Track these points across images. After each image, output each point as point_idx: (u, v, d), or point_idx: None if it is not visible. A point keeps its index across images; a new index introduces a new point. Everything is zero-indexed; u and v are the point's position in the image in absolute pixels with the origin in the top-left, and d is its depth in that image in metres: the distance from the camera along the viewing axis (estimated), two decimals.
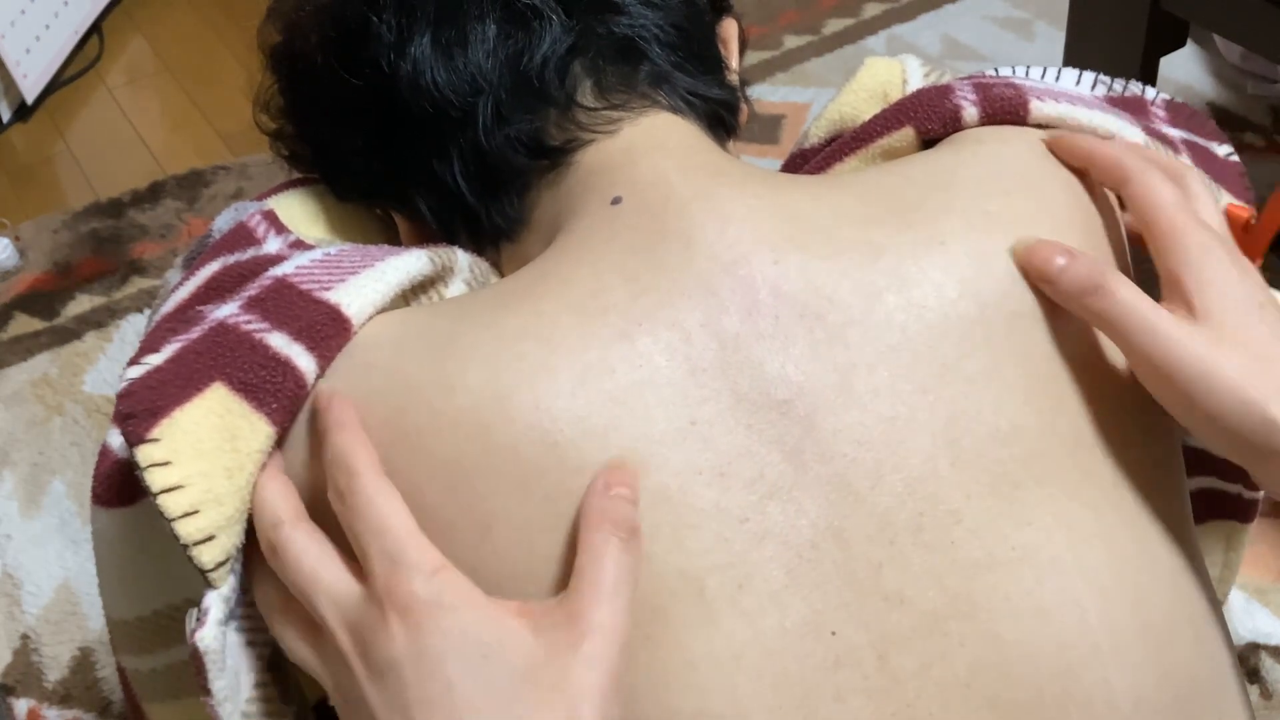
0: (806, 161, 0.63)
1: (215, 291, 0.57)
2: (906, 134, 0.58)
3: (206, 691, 0.50)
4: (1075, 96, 0.59)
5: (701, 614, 0.46)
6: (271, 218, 0.62)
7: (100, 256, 1.42)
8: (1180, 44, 1.12)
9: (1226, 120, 1.45)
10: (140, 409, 0.49)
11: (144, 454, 0.48)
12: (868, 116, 0.60)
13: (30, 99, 1.65)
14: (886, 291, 0.50)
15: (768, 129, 1.50)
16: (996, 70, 0.63)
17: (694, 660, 0.46)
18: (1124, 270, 0.55)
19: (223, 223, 0.64)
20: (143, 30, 1.84)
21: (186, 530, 0.48)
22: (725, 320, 0.49)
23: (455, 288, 0.56)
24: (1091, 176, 0.55)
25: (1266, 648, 0.92)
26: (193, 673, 0.50)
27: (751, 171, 0.56)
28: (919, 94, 0.59)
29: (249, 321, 0.52)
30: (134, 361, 0.52)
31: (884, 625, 0.47)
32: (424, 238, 0.62)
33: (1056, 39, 1.37)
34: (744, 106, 0.65)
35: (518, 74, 0.57)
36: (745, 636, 0.46)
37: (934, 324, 0.50)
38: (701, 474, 0.47)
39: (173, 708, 0.62)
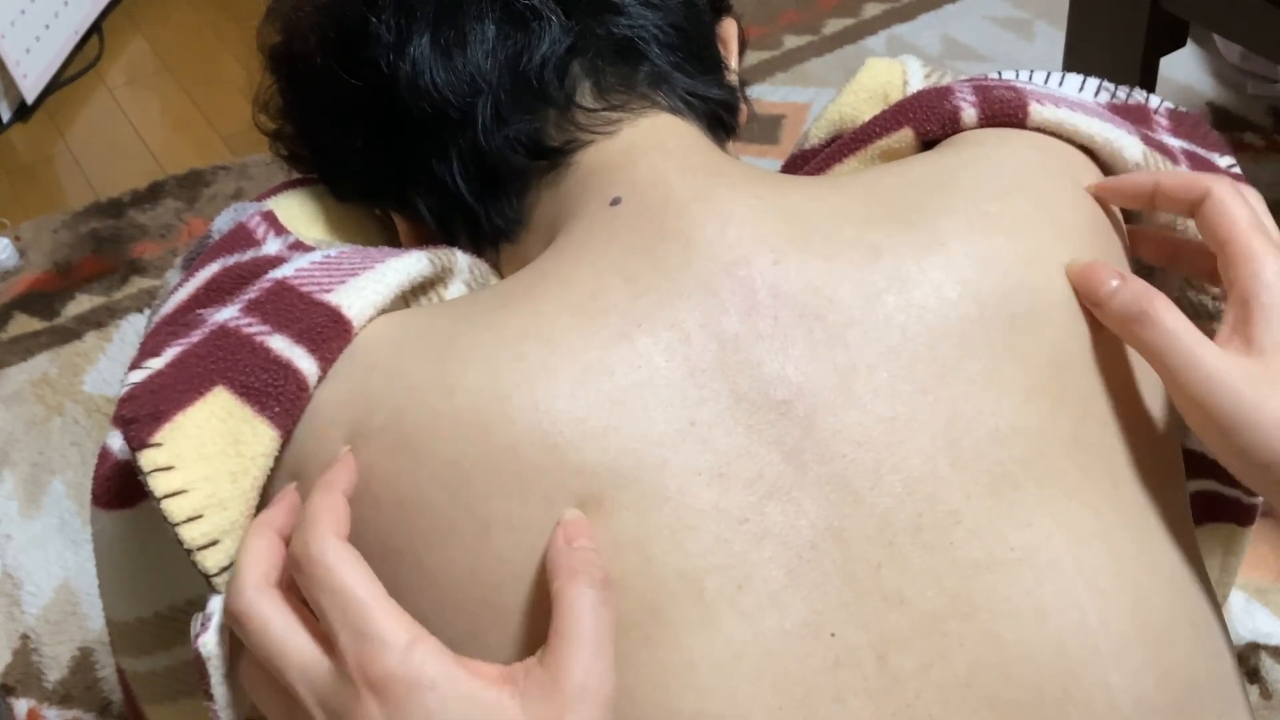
0: (806, 162, 0.63)
1: (215, 293, 0.57)
2: (905, 135, 0.58)
3: (209, 696, 0.50)
4: (1075, 102, 0.59)
5: (701, 615, 0.46)
6: (271, 219, 0.62)
7: (100, 256, 1.42)
8: (1180, 44, 1.12)
9: (1226, 120, 1.45)
10: (142, 413, 0.49)
11: (147, 459, 0.48)
12: (868, 117, 0.60)
13: (30, 99, 1.65)
14: (886, 292, 0.50)
15: (768, 129, 1.50)
16: (999, 74, 0.63)
17: (693, 661, 0.46)
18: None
19: (222, 223, 0.64)
20: (143, 30, 1.84)
21: (190, 535, 0.48)
22: (725, 321, 0.49)
23: (455, 289, 0.56)
24: (1160, 204, 0.54)
25: (1266, 648, 0.92)
26: (195, 677, 0.50)
27: (751, 172, 0.56)
28: (918, 95, 0.59)
29: (250, 324, 0.52)
30: (135, 366, 0.52)
31: (883, 625, 0.47)
32: (423, 238, 0.62)
33: (1056, 39, 1.37)
34: (743, 107, 0.65)
35: (517, 74, 0.57)
36: (745, 637, 0.46)
37: (934, 325, 0.50)
38: (700, 475, 0.47)
39: (171, 709, 0.62)
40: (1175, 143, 0.61)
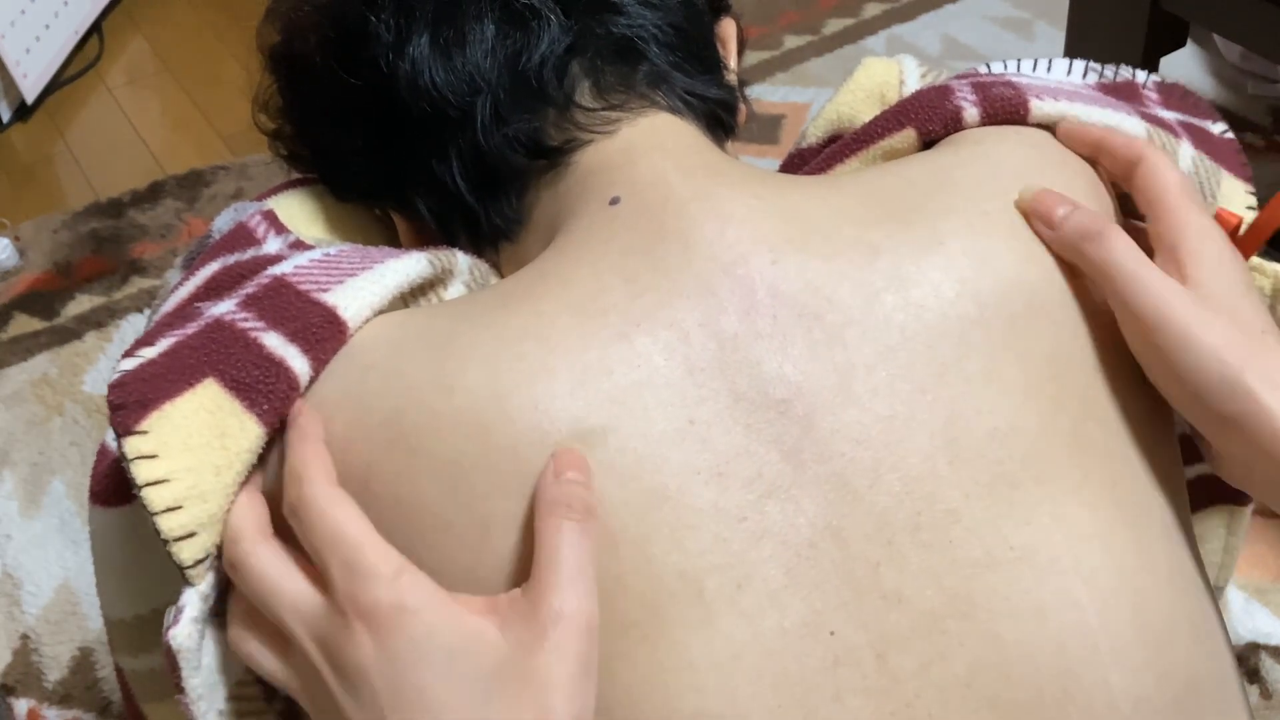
0: (805, 162, 0.63)
1: (214, 292, 0.57)
2: (908, 135, 0.58)
3: (180, 689, 0.50)
4: (1073, 93, 0.59)
5: (700, 614, 0.46)
6: (271, 218, 0.62)
7: (100, 256, 1.42)
8: (1180, 44, 1.12)
9: (1226, 120, 1.45)
10: (130, 400, 0.49)
11: (131, 445, 0.48)
12: (865, 117, 0.60)
13: (30, 99, 1.66)
14: (885, 292, 0.50)
15: (768, 129, 1.50)
16: (989, 66, 0.63)
17: (693, 661, 0.46)
18: None
19: (222, 223, 0.64)
20: (143, 30, 1.84)
21: (168, 525, 0.48)
22: (724, 320, 0.49)
23: (455, 290, 0.56)
24: (1101, 163, 0.56)
25: (1266, 648, 0.92)
26: (166, 669, 0.50)
27: (750, 172, 0.56)
28: (919, 95, 0.59)
29: (245, 319, 0.52)
30: (128, 354, 0.52)
31: (883, 625, 0.47)
32: (423, 238, 0.62)
33: (1056, 39, 1.37)
34: (742, 106, 0.65)
35: (516, 74, 0.57)
36: (744, 637, 0.46)
37: (932, 324, 0.50)
38: (700, 474, 0.47)
39: (170, 707, 0.61)
40: (1169, 115, 0.62)
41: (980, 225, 0.52)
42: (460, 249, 0.58)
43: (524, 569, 0.47)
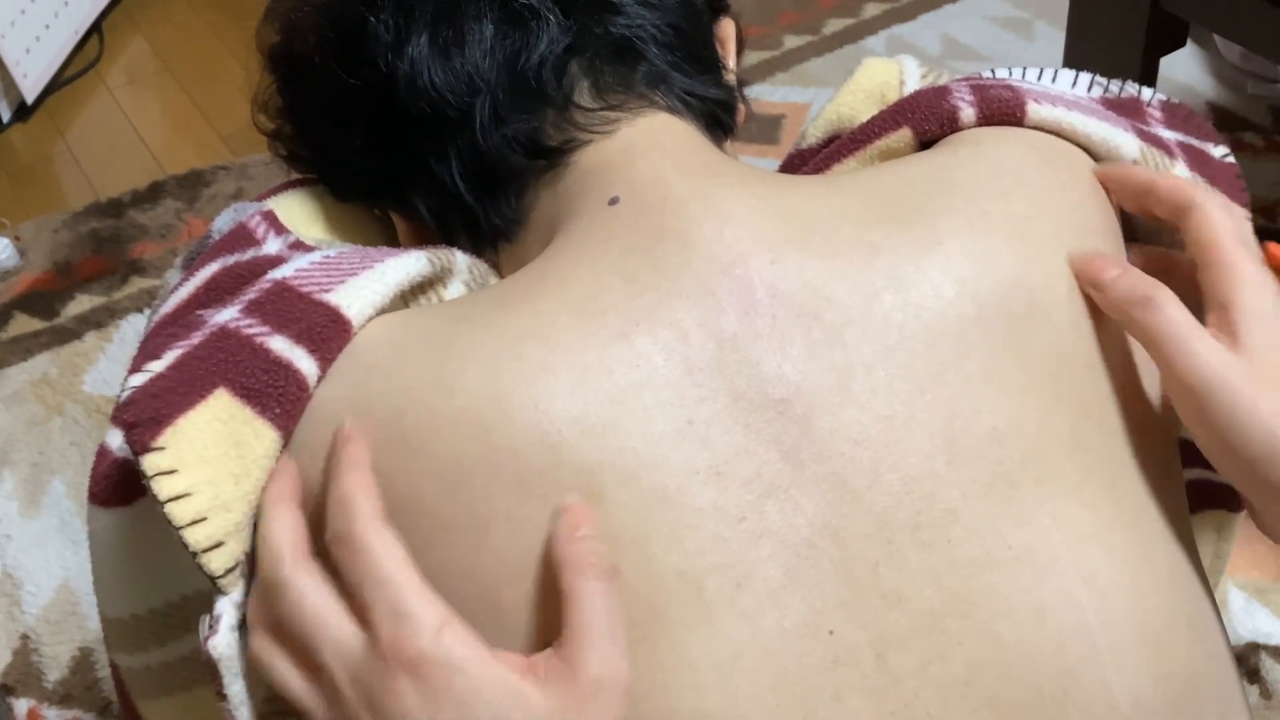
0: (804, 162, 0.63)
1: (214, 293, 0.57)
2: (904, 135, 0.58)
3: (222, 697, 0.50)
4: (1072, 101, 0.59)
5: (700, 614, 0.46)
6: (271, 218, 0.62)
7: (100, 256, 1.42)
8: (1180, 44, 1.12)
9: (1226, 120, 1.46)
10: (144, 417, 0.49)
11: (150, 463, 0.48)
12: (865, 117, 0.60)
13: (30, 99, 1.66)
14: (884, 291, 0.50)
15: (768, 129, 1.50)
16: (994, 72, 0.63)
17: (692, 660, 0.46)
18: None
19: (222, 223, 0.64)
20: (143, 30, 1.84)
21: (195, 537, 0.48)
22: (723, 320, 0.49)
23: (454, 289, 0.56)
24: (1149, 208, 0.55)
25: (1266, 648, 0.92)
26: (207, 677, 0.50)
27: (749, 171, 0.56)
28: (916, 95, 0.59)
29: (250, 325, 0.52)
30: (135, 369, 0.52)
31: (882, 624, 0.47)
32: (423, 238, 0.62)
33: (1056, 39, 1.37)
34: (742, 106, 0.65)
35: (515, 74, 0.57)
36: (744, 636, 0.46)
37: (931, 324, 0.50)
38: (699, 473, 0.47)
39: (166, 704, 0.62)
40: (1169, 135, 0.62)
41: (980, 225, 0.52)
42: (460, 249, 0.58)
43: (523, 569, 0.47)
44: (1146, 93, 0.65)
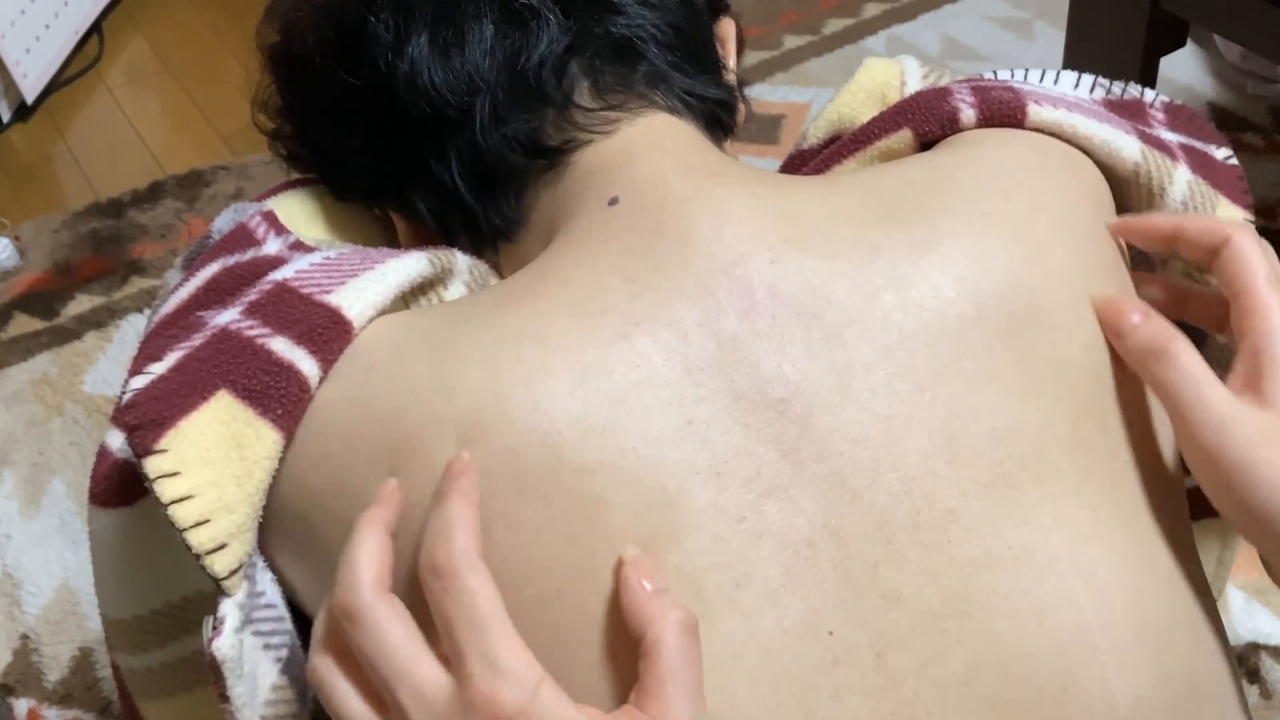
0: (805, 162, 0.63)
1: (215, 293, 0.57)
2: (904, 136, 0.58)
3: (225, 699, 0.50)
4: (1073, 103, 0.59)
5: (699, 614, 0.46)
6: (271, 218, 0.62)
7: (100, 256, 1.42)
8: (1180, 44, 1.12)
9: (1226, 120, 1.46)
10: (146, 420, 0.49)
11: (152, 465, 0.48)
12: (866, 117, 0.60)
13: (30, 99, 1.66)
14: (884, 291, 0.50)
15: (768, 129, 1.50)
16: (995, 73, 0.63)
17: None
18: (1121, 278, 0.55)
19: (222, 223, 0.65)
20: (143, 30, 1.84)
21: (198, 539, 0.48)
22: (723, 320, 0.49)
23: (455, 290, 0.56)
24: (1181, 249, 0.54)
25: (1266, 648, 0.92)
26: (210, 680, 0.50)
27: (749, 171, 0.56)
28: (917, 96, 0.59)
29: (251, 327, 0.52)
30: (136, 370, 0.52)
31: (881, 624, 0.47)
32: (423, 238, 0.62)
33: (1056, 39, 1.37)
34: (741, 106, 0.65)
35: (515, 74, 0.57)
36: (743, 636, 0.46)
37: (931, 324, 0.50)
38: (699, 473, 0.47)
39: (167, 705, 0.62)
40: (1172, 137, 0.61)
41: (980, 226, 0.52)
42: (460, 249, 0.58)
43: (523, 570, 0.47)
44: (1149, 94, 0.65)
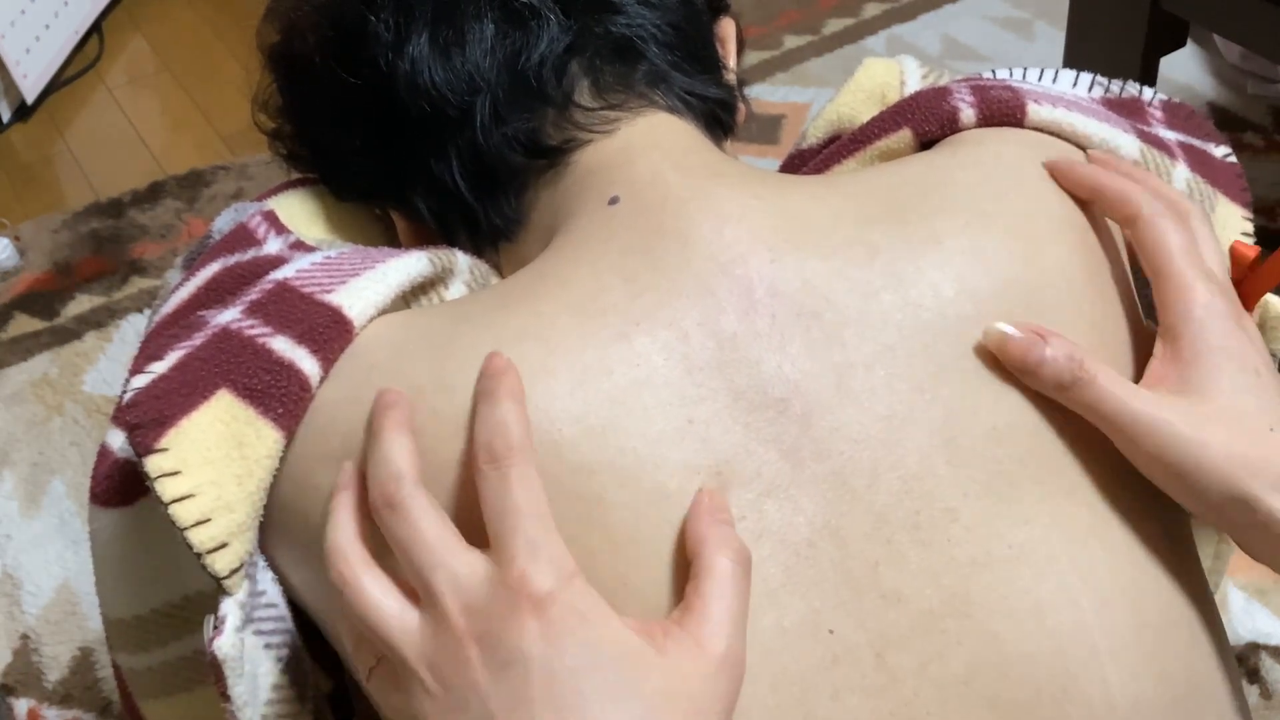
0: (805, 162, 0.63)
1: (215, 293, 0.57)
2: (904, 136, 0.58)
3: (226, 698, 0.50)
4: (1072, 101, 0.59)
5: None
6: (271, 218, 0.62)
7: (100, 256, 1.42)
8: (1180, 44, 1.12)
9: (1226, 120, 1.46)
10: (147, 419, 0.49)
11: (153, 464, 0.48)
12: (865, 117, 0.61)
13: (30, 99, 1.66)
14: (883, 291, 0.50)
15: (768, 129, 1.50)
16: (994, 72, 0.63)
17: None
18: (1120, 276, 0.55)
19: (222, 223, 0.65)
20: (143, 30, 1.84)
21: (199, 539, 0.48)
22: (723, 319, 0.49)
23: (455, 289, 0.56)
24: (1100, 208, 0.54)
25: (1266, 648, 0.92)
26: (211, 679, 0.50)
27: (749, 171, 0.56)
28: (916, 96, 0.59)
29: (252, 326, 0.52)
30: (137, 370, 0.52)
31: (881, 623, 0.47)
32: (423, 238, 0.62)
33: (1056, 39, 1.37)
34: (741, 106, 0.65)
35: (515, 73, 0.57)
36: None
37: (931, 323, 0.50)
38: (699, 473, 0.47)
39: (168, 704, 0.62)
40: (1170, 135, 0.61)
41: (979, 225, 0.52)
42: (460, 249, 0.58)
43: None
44: (1148, 93, 0.65)
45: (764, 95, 1.56)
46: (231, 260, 0.58)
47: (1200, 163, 0.61)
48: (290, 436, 0.50)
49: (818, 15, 1.72)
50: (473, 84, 0.58)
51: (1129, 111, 0.62)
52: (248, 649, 0.51)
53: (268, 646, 0.52)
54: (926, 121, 0.58)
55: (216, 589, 0.50)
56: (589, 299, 0.50)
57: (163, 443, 0.49)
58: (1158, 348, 0.51)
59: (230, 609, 0.50)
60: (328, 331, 0.51)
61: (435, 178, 0.59)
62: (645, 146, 0.56)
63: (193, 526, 0.48)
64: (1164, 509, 0.52)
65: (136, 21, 1.86)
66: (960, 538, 0.48)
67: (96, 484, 0.57)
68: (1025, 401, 0.50)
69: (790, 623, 0.47)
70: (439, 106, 0.58)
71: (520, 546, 0.43)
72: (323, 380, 0.51)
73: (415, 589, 0.45)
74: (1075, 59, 1.17)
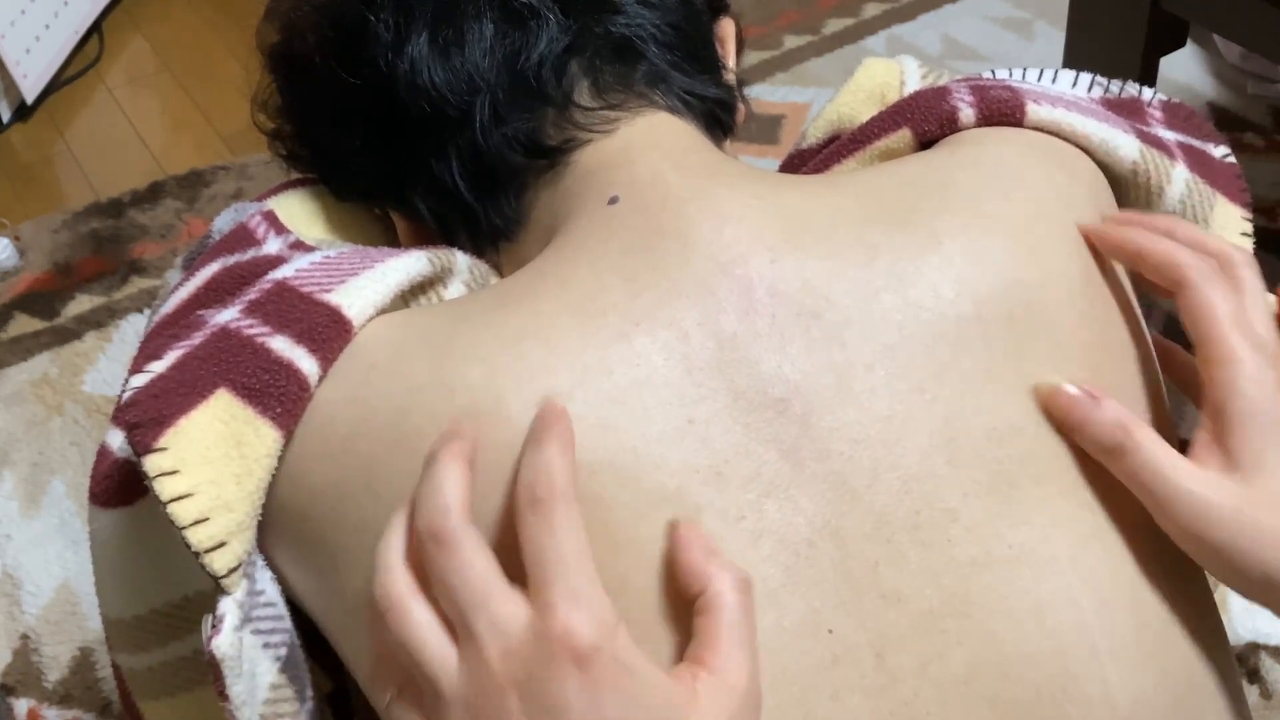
0: (804, 162, 0.63)
1: (215, 293, 0.57)
2: (904, 135, 0.58)
3: (224, 697, 0.50)
4: (1072, 101, 0.59)
5: None
6: (271, 218, 0.62)
7: (100, 256, 1.42)
8: (1180, 44, 1.12)
9: (1226, 120, 1.46)
10: (146, 418, 0.49)
11: (152, 463, 0.48)
12: (865, 117, 0.61)
13: (30, 99, 1.66)
14: (883, 291, 0.50)
15: (768, 129, 1.50)
16: (994, 72, 0.63)
17: None
18: (1120, 278, 0.55)
19: (222, 223, 0.65)
20: (143, 30, 1.84)
21: (197, 538, 0.48)
22: (722, 320, 0.49)
23: (455, 289, 0.56)
24: (1142, 272, 0.53)
25: (1266, 648, 0.92)
26: (210, 679, 0.50)
27: (748, 171, 0.56)
28: (916, 96, 0.59)
29: (251, 325, 0.52)
30: (136, 369, 0.52)
31: (881, 623, 0.47)
32: (423, 238, 0.62)
33: (1056, 39, 1.37)
34: (741, 106, 0.65)
35: (515, 73, 0.57)
36: None
37: (931, 323, 0.50)
38: (699, 473, 0.47)
39: (168, 704, 0.62)
40: (1170, 136, 0.61)
41: (979, 225, 0.52)
42: (460, 249, 0.58)
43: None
44: (1147, 93, 0.65)
45: (764, 95, 1.56)
46: (231, 260, 0.58)
47: (1199, 163, 0.61)
48: (289, 436, 0.50)
49: (818, 15, 1.72)
50: (472, 84, 0.58)
51: (1128, 112, 0.62)
52: (246, 648, 0.51)
53: (266, 646, 0.52)
54: (926, 121, 0.58)
55: (215, 588, 0.50)
56: (589, 299, 0.50)
57: (161, 442, 0.49)
58: (1204, 421, 0.50)
59: (228, 608, 0.50)
60: (327, 331, 0.51)
61: (435, 178, 0.59)
62: (645, 146, 0.56)
63: (191, 525, 0.48)
64: None
65: (136, 21, 1.86)
66: (960, 538, 0.48)
67: (96, 484, 0.57)
68: (1026, 402, 0.50)
69: (790, 623, 0.47)
70: (439, 106, 0.58)
71: (560, 598, 0.42)
72: (321, 379, 0.51)
73: (453, 623, 0.44)
74: (1075, 59, 1.17)
